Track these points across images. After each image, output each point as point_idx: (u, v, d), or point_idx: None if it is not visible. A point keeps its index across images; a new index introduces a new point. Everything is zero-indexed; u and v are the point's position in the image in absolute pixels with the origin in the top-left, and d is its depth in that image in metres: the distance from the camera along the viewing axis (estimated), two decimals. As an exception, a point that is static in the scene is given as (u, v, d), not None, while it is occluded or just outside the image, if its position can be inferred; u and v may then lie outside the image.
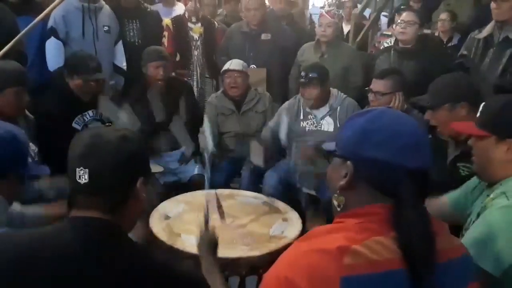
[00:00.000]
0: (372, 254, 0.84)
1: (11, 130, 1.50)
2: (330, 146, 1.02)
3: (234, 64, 3.22)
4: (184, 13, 3.90)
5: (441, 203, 1.67)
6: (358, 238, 0.85)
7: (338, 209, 0.97)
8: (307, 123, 3.02)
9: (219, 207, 2.19)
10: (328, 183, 1.02)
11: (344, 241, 0.85)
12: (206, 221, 1.63)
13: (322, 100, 2.97)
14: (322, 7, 4.13)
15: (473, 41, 2.90)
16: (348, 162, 0.94)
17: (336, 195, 0.97)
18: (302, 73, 2.93)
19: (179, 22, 3.85)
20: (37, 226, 1.68)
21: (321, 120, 2.99)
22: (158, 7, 4.20)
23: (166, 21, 3.85)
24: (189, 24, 3.84)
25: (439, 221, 0.96)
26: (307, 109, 3.01)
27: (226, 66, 3.24)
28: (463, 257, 0.95)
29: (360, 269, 0.82)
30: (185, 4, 3.92)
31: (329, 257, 0.83)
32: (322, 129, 2.98)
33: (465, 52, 2.94)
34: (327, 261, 0.83)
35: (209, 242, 1.52)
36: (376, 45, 4.23)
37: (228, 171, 3.28)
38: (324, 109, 2.99)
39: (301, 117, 3.04)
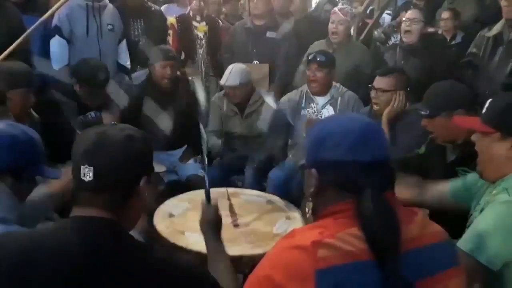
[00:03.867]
0: (345, 245, 0.88)
1: (28, 131, 1.52)
2: (303, 161, 1.11)
3: (230, 80, 3.11)
4: (189, 12, 3.90)
5: (442, 190, 1.71)
6: (331, 232, 0.90)
7: (312, 214, 1.04)
8: (308, 111, 3.05)
9: (230, 205, 2.22)
10: (306, 192, 1.07)
11: (318, 236, 0.89)
12: (208, 196, 1.56)
13: (325, 87, 3.01)
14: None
15: (482, 39, 2.88)
16: (313, 170, 1.02)
17: (308, 202, 1.03)
18: (311, 56, 2.98)
19: (184, 21, 3.86)
20: (48, 207, 1.75)
21: (322, 108, 3.02)
22: (171, 6, 4.19)
23: (171, 19, 3.86)
24: (194, 23, 3.84)
25: (409, 210, 1.00)
26: (310, 96, 3.05)
27: (222, 81, 3.17)
28: (440, 243, 0.98)
29: (333, 260, 0.87)
30: (190, 3, 3.92)
31: (304, 252, 0.88)
32: (323, 118, 2.99)
33: (474, 50, 2.92)
34: (302, 256, 0.88)
35: (213, 217, 1.46)
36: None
37: (229, 168, 3.29)
38: (326, 98, 3.04)
39: (303, 104, 3.07)
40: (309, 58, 2.99)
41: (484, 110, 1.45)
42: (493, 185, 1.42)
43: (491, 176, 1.44)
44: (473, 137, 1.48)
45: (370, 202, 0.91)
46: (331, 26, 3.48)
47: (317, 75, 2.97)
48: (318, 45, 3.57)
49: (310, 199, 1.06)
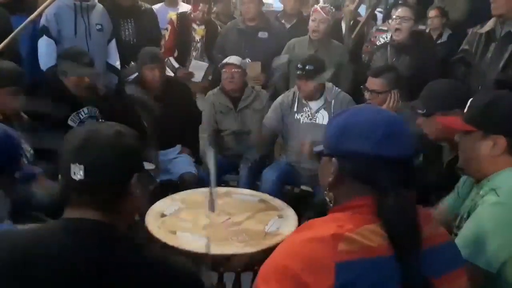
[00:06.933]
0: (365, 240, 0.87)
1: (5, 128, 1.52)
2: (319, 147, 1.06)
3: (232, 58, 3.23)
4: (190, 13, 3.88)
5: (442, 211, 1.65)
6: (351, 226, 0.88)
7: (331, 204, 1.01)
8: (302, 116, 3.02)
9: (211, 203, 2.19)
10: (320, 181, 1.06)
11: (338, 229, 0.88)
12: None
13: (317, 92, 2.97)
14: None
15: (474, 36, 2.87)
16: (333, 159, 0.99)
17: (326, 192, 1.02)
18: (299, 65, 2.91)
19: (184, 19, 3.84)
20: None
21: (316, 113, 2.98)
22: (161, 6, 4.18)
23: (171, 14, 3.84)
24: (193, 25, 3.83)
25: (425, 210, 0.99)
26: (303, 101, 3.01)
27: (224, 61, 3.25)
28: (448, 243, 0.99)
29: (354, 255, 0.85)
30: (194, 10, 3.87)
31: (324, 245, 0.86)
32: (317, 122, 2.97)
33: (466, 47, 2.92)
34: (322, 249, 0.86)
35: None
36: (372, 39, 4.22)
37: (223, 166, 3.26)
38: (319, 102, 2.99)
39: (295, 109, 3.03)
40: (298, 67, 2.90)
41: (466, 109, 1.44)
42: (478, 184, 1.40)
43: (474, 174, 1.43)
44: (456, 137, 1.47)
45: (393, 198, 0.90)
46: (312, 24, 3.44)
47: (308, 85, 2.90)
48: (298, 43, 3.55)
49: (327, 188, 1.02)
